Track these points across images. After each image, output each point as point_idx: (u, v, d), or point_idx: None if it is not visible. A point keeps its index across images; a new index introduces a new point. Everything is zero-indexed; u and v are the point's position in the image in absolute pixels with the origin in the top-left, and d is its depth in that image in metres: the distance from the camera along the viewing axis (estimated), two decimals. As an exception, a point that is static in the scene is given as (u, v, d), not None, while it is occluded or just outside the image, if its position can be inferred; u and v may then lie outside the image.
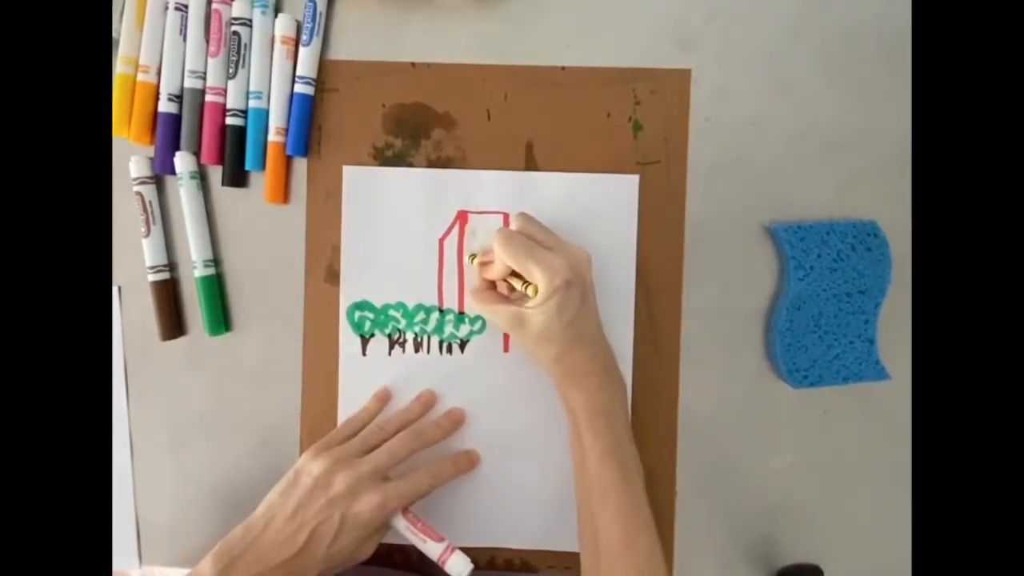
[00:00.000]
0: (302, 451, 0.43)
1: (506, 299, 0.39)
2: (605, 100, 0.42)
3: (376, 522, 0.36)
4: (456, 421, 0.42)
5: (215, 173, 0.43)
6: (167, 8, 0.42)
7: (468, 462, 0.42)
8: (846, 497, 0.43)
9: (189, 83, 0.42)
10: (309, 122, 0.43)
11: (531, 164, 0.43)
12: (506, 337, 0.43)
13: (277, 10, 0.43)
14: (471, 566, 0.37)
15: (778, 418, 0.43)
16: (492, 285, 0.41)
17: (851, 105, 0.42)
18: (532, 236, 0.37)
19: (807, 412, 0.43)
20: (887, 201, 0.42)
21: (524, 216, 0.39)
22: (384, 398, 0.43)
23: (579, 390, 0.37)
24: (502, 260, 0.37)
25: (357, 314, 0.43)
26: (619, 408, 0.38)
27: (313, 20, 0.41)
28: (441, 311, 0.43)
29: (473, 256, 0.42)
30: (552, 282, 0.35)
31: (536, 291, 0.36)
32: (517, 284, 0.38)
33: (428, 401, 0.43)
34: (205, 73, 0.42)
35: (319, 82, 0.43)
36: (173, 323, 0.43)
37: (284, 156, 0.43)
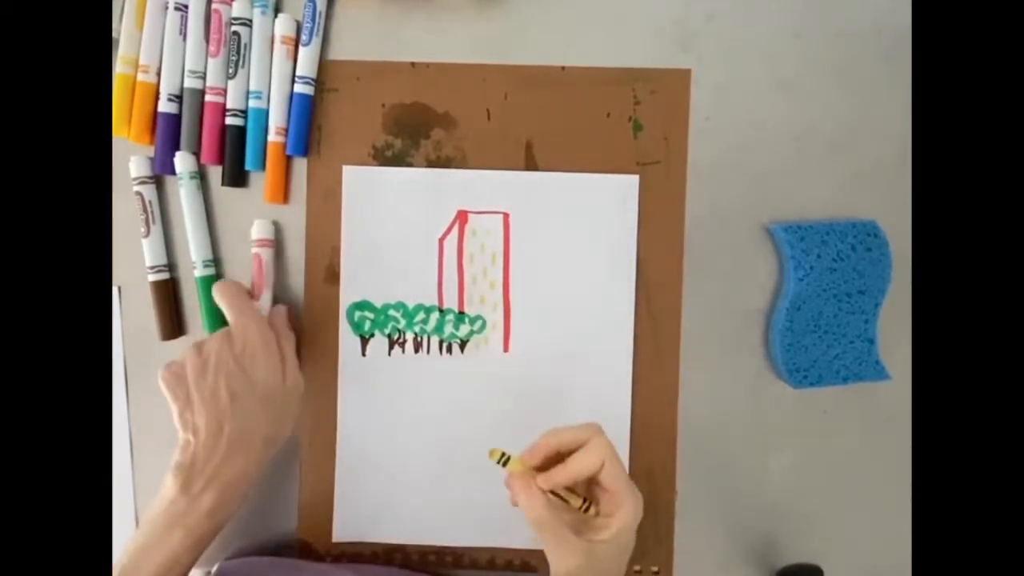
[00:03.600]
0: (302, 451, 0.43)
1: (572, 531, 0.32)
2: (605, 100, 0.42)
3: (273, 361, 0.38)
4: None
5: (215, 173, 0.43)
6: (167, 8, 0.42)
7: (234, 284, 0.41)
8: (846, 497, 0.43)
9: (189, 83, 0.42)
10: (309, 122, 0.43)
11: (531, 164, 0.43)
12: (506, 337, 0.43)
13: (277, 10, 0.42)
14: None
15: (778, 418, 0.43)
16: (547, 501, 0.33)
17: (851, 105, 0.42)
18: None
19: (807, 412, 0.43)
20: (887, 201, 0.42)
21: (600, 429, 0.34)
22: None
23: None
24: (593, 467, 0.32)
25: (357, 314, 0.43)
26: None
27: (313, 20, 0.41)
28: (441, 311, 0.43)
29: (504, 457, 0.34)
30: (637, 516, 0.32)
31: (585, 508, 0.33)
32: (574, 501, 0.33)
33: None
34: (205, 73, 0.42)
35: (319, 82, 0.43)
36: (173, 323, 0.43)
37: (284, 156, 0.42)
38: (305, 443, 0.43)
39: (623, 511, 0.32)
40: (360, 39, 0.43)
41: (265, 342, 0.38)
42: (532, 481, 0.33)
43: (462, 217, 0.43)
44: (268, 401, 0.37)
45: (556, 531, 0.32)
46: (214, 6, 0.42)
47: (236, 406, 0.36)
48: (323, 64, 0.43)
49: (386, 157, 0.43)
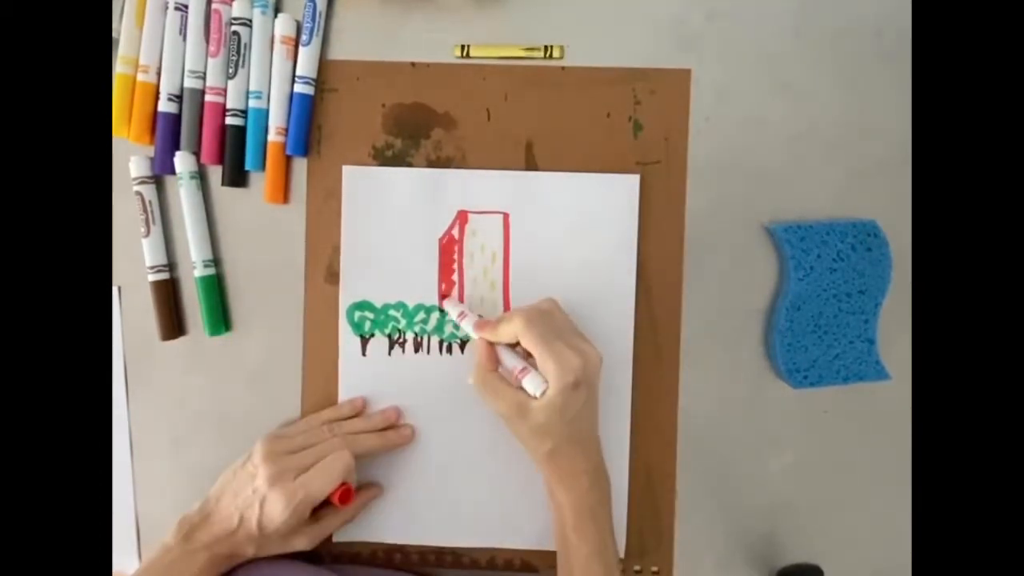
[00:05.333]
0: (302, 451, 0.43)
1: (510, 385, 0.38)
2: (605, 100, 0.42)
3: (290, 522, 0.36)
4: (389, 419, 0.42)
5: (215, 173, 0.43)
6: (167, 8, 0.42)
7: (399, 436, 0.42)
8: (846, 497, 0.43)
9: (189, 83, 0.42)
10: (309, 122, 0.43)
11: (531, 164, 0.43)
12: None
13: (277, 10, 0.42)
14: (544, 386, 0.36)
15: (778, 418, 0.43)
16: (495, 365, 0.39)
17: (851, 105, 0.42)
18: (554, 323, 0.37)
19: (807, 412, 0.43)
20: (887, 201, 0.42)
21: (553, 302, 0.39)
22: (359, 406, 0.43)
23: (568, 490, 0.37)
24: (514, 334, 0.37)
25: (357, 314, 0.43)
26: (605, 507, 0.38)
27: (313, 20, 0.41)
28: (441, 311, 0.43)
29: (461, 314, 0.41)
30: (563, 379, 0.35)
31: (533, 383, 0.36)
32: (509, 361, 0.38)
33: (389, 417, 0.42)
34: (205, 73, 0.42)
35: (319, 82, 0.43)
36: (173, 323, 0.43)
37: (284, 156, 0.42)
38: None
39: (547, 374, 0.35)
40: (360, 39, 0.43)
41: (282, 524, 0.37)
42: (483, 342, 0.39)
43: (462, 217, 0.43)
44: (264, 540, 0.38)
45: (488, 385, 0.38)
46: (214, 6, 0.42)
47: (242, 526, 0.37)
48: (323, 64, 0.43)
49: (386, 157, 0.43)
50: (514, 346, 0.38)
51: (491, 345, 0.39)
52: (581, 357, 0.35)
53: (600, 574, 0.37)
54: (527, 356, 0.38)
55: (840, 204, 0.43)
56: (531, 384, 0.36)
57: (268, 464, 0.37)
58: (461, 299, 0.43)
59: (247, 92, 0.42)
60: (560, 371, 0.35)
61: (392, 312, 0.43)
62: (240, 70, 0.42)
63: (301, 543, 0.39)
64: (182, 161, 0.42)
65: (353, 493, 0.39)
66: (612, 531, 0.38)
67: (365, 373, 0.43)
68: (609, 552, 0.38)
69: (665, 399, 0.43)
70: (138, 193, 0.42)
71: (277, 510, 0.36)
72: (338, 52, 0.43)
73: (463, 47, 0.42)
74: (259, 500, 0.37)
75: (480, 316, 0.41)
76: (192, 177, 0.42)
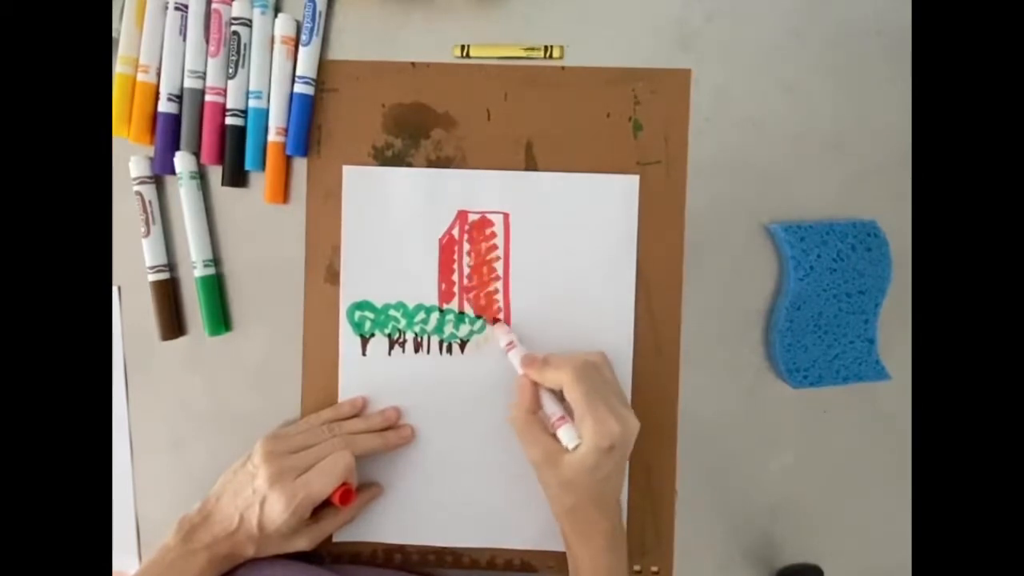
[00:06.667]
0: (302, 451, 0.43)
1: (546, 432, 0.37)
2: (605, 100, 0.42)
3: (291, 522, 0.36)
4: (389, 419, 0.42)
5: (215, 173, 0.43)
6: (167, 8, 0.42)
7: (399, 436, 0.42)
8: (846, 497, 0.43)
9: (189, 83, 0.42)
10: (309, 122, 0.43)
11: (531, 164, 0.43)
12: (506, 337, 0.43)
13: (277, 10, 0.42)
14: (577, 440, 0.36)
15: (778, 418, 0.43)
16: (537, 408, 0.38)
17: (851, 105, 0.42)
18: (602, 381, 0.37)
19: (807, 412, 0.43)
20: (887, 201, 0.42)
21: (603, 356, 0.39)
22: (359, 406, 0.43)
23: (585, 548, 0.37)
24: (559, 383, 0.37)
25: (357, 314, 0.43)
26: (621, 568, 0.38)
27: (313, 20, 0.41)
28: (441, 311, 0.43)
29: (510, 344, 0.40)
30: (599, 442, 0.35)
31: (568, 436, 0.36)
32: (548, 406, 0.38)
33: (389, 417, 0.42)
34: (205, 73, 0.42)
35: (319, 82, 0.43)
36: (173, 323, 0.43)
37: (284, 156, 0.43)
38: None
39: (584, 432, 0.35)
40: (360, 39, 0.43)
41: (282, 525, 0.37)
42: (528, 379, 0.39)
43: (462, 217, 0.43)
44: (264, 540, 0.38)
45: (527, 427, 0.38)
46: (214, 6, 0.42)
47: (242, 526, 0.37)
48: (323, 64, 0.43)
49: (386, 157, 0.43)
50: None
51: (535, 384, 0.38)
52: (621, 424, 0.35)
53: None
54: (562, 399, 0.37)
55: (840, 204, 0.43)
56: (566, 436, 0.36)
57: (268, 464, 0.37)
58: (461, 299, 0.43)
59: (247, 92, 0.42)
60: (597, 434, 0.35)
61: (392, 312, 0.43)
62: (240, 70, 0.42)
63: (301, 543, 0.39)
64: (182, 161, 0.42)
65: (353, 493, 0.39)
66: None
67: (365, 373, 0.43)
68: None
69: (665, 399, 0.43)
70: (138, 193, 0.42)
71: (277, 510, 0.36)
72: (338, 52, 0.43)
73: (463, 47, 0.42)
74: (259, 500, 0.37)
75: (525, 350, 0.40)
76: (192, 177, 0.42)
